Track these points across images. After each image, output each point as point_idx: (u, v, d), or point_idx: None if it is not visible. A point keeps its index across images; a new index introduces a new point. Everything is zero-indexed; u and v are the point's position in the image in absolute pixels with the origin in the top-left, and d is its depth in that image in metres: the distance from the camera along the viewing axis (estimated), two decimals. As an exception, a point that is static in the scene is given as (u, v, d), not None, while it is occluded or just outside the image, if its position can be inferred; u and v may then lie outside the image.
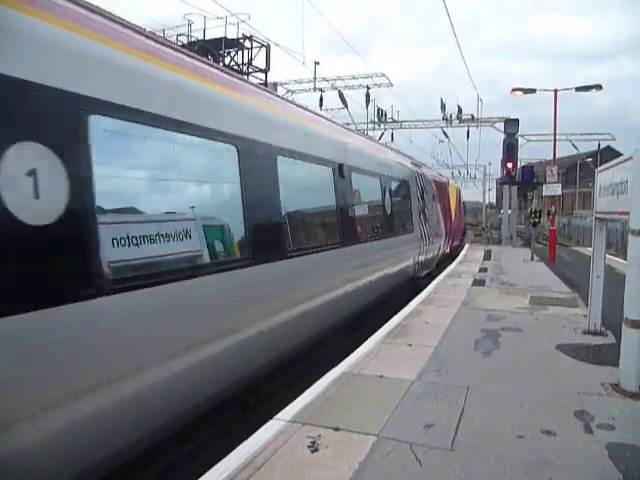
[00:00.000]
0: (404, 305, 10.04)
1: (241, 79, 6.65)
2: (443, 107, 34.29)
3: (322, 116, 10.07)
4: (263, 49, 18.58)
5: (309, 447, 4.06)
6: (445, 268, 17.19)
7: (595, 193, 7.50)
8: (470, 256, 21.85)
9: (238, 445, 4.12)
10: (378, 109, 34.32)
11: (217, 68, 6.14)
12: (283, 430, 4.37)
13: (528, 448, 4.13)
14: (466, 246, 27.83)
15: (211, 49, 16.60)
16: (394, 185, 12.86)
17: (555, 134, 22.53)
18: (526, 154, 56.71)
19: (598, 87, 21.22)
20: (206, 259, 4.93)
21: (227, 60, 17.54)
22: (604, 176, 6.95)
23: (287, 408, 4.85)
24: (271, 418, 4.62)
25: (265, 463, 3.82)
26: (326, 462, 3.84)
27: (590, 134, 43.82)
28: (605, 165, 7.15)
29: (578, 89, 21.36)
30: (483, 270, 16.37)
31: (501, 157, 25.06)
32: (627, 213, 5.52)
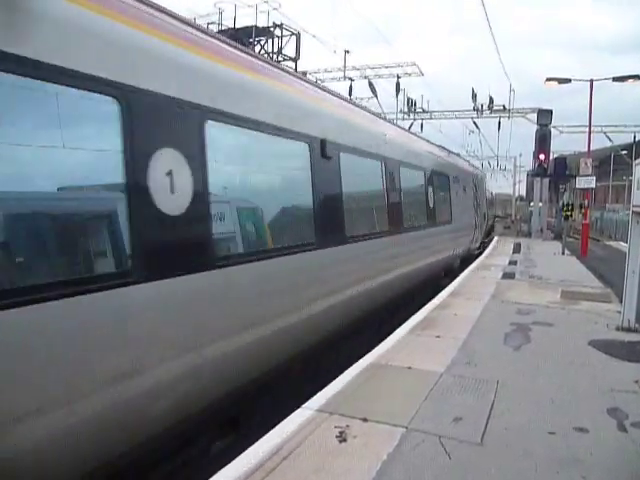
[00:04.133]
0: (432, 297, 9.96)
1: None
2: (474, 97, 33.81)
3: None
4: (293, 37, 18.55)
5: (337, 437, 4.04)
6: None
7: (633, 186, 7.30)
8: (499, 249, 21.56)
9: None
10: (408, 99, 34.03)
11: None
12: (311, 419, 4.36)
13: (560, 445, 4.05)
14: (495, 238, 27.46)
15: (242, 38, 16.63)
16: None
17: (590, 125, 22.03)
18: (557, 146, 55.52)
19: (637, 77, 20.67)
20: None
21: (257, 48, 17.56)
22: (643, 169, 6.76)
23: (315, 397, 4.83)
24: (298, 407, 4.62)
25: (292, 452, 3.80)
26: (354, 453, 3.81)
27: (625, 126, 42.76)
28: (644, 157, 6.95)
29: (616, 79, 20.83)
30: (513, 263, 16.13)
31: (533, 148, 24.67)
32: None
